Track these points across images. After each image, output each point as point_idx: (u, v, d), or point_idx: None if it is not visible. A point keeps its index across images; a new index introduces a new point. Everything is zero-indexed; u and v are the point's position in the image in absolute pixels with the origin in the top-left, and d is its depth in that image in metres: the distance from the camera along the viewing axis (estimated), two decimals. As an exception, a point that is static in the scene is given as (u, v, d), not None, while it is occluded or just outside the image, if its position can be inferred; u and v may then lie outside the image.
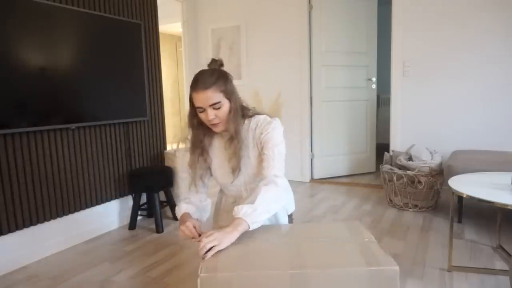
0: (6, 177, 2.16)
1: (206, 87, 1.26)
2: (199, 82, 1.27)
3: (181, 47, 4.90)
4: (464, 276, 1.96)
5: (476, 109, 3.31)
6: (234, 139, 1.34)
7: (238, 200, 1.47)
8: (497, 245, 2.29)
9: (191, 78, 1.32)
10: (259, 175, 1.35)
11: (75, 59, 2.46)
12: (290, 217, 1.61)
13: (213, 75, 1.29)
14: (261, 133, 1.35)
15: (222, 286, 0.92)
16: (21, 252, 2.26)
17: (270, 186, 1.23)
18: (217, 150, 1.44)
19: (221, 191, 1.57)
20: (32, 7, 2.19)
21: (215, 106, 1.27)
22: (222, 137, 1.43)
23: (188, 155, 1.47)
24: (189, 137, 1.43)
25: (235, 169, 1.37)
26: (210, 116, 1.28)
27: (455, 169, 2.60)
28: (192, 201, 1.41)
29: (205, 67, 1.37)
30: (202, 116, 1.32)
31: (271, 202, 1.20)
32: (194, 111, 1.34)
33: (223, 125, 1.34)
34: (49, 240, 2.42)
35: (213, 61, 1.38)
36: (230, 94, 1.31)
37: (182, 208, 1.37)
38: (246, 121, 1.40)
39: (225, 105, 1.30)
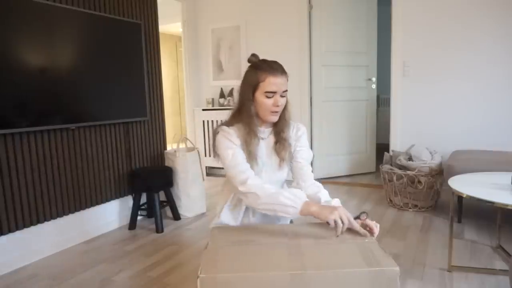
0: (6, 177, 2.16)
1: (283, 73, 1.33)
2: (278, 67, 1.32)
3: (181, 47, 4.90)
4: (464, 276, 1.96)
5: (476, 109, 3.31)
6: (288, 130, 1.42)
7: None
8: (497, 245, 2.29)
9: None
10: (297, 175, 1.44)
11: (75, 59, 2.46)
12: (291, 221, 1.61)
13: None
14: (297, 140, 1.46)
15: (222, 287, 0.92)
16: (21, 252, 2.26)
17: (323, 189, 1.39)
18: (259, 145, 1.40)
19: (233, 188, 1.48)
20: (32, 7, 2.19)
21: (283, 93, 1.34)
22: (263, 134, 1.42)
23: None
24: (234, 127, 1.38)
25: (284, 159, 1.41)
26: (279, 102, 1.32)
27: (455, 169, 2.59)
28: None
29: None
30: (267, 101, 1.32)
31: None
32: (252, 97, 1.34)
33: (278, 115, 1.38)
34: (49, 240, 2.42)
35: (254, 55, 1.41)
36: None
37: (301, 196, 1.23)
38: None
39: (286, 96, 1.38)
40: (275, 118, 1.37)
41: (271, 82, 1.30)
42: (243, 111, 1.36)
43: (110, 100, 2.72)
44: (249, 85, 1.34)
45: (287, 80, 1.35)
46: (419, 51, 3.48)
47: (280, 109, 1.35)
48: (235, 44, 4.33)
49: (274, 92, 1.31)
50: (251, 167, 1.34)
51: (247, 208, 1.44)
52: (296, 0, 3.91)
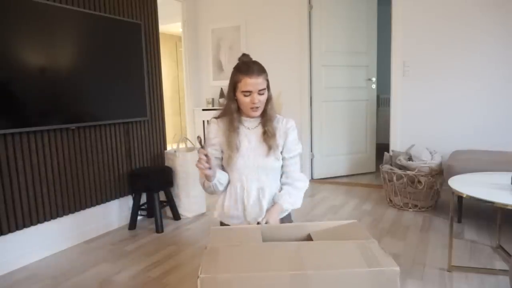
0: (6, 177, 2.16)
1: (259, 74, 1.46)
2: (254, 68, 1.46)
3: (181, 47, 4.90)
4: (464, 276, 1.96)
5: (476, 109, 3.31)
6: (271, 123, 1.55)
7: (244, 185, 1.54)
8: (497, 245, 2.29)
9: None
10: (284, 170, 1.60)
11: (75, 59, 2.46)
12: (290, 218, 1.63)
13: (262, 66, 1.51)
14: (286, 132, 1.56)
15: (222, 287, 0.92)
16: (21, 252, 2.26)
17: (302, 183, 1.59)
18: (244, 136, 1.56)
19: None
20: (32, 7, 2.19)
21: (260, 91, 1.48)
22: (250, 124, 1.57)
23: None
24: (220, 120, 1.58)
25: (272, 147, 1.53)
26: (256, 99, 1.47)
27: (455, 169, 2.59)
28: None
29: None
30: (245, 99, 1.48)
31: (300, 198, 1.60)
32: (233, 95, 1.51)
33: (261, 110, 1.53)
34: (49, 240, 2.42)
35: (245, 55, 1.55)
36: (269, 85, 1.55)
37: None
38: None
39: (266, 93, 1.52)
40: (256, 113, 1.52)
41: (247, 83, 1.45)
42: (227, 108, 1.55)
43: (110, 100, 2.72)
44: (231, 85, 1.52)
45: (266, 78, 1.50)
46: (419, 51, 3.48)
47: (259, 105, 1.50)
48: (235, 44, 4.33)
49: (250, 91, 1.46)
50: (231, 153, 1.53)
51: (240, 199, 1.56)
52: (296, 0, 3.91)
